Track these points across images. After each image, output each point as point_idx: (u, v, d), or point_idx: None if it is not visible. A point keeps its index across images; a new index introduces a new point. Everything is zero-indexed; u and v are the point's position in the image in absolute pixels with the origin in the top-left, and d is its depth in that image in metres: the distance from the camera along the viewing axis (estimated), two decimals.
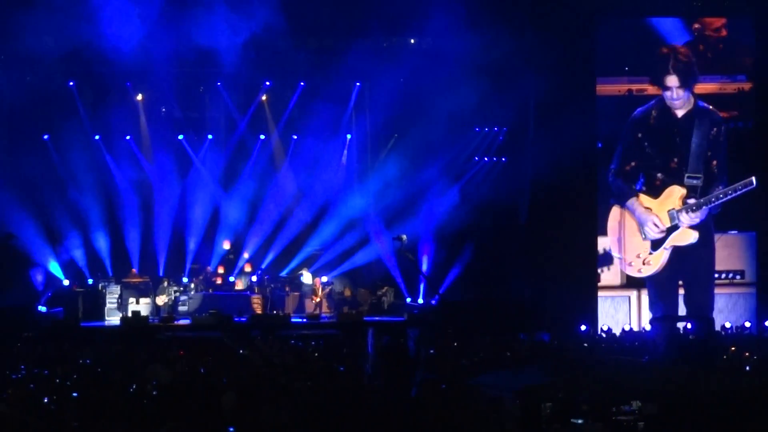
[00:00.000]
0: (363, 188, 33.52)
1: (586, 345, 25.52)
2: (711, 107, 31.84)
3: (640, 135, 31.67)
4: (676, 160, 31.63)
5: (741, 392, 15.16)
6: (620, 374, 17.14)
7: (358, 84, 33.32)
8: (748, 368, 20.07)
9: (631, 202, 31.65)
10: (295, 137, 33.84)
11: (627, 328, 30.22)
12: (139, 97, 32.78)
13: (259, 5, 28.91)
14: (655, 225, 31.49)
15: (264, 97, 33.59)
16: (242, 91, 33.35)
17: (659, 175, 31.69)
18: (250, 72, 31.91)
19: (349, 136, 34.07)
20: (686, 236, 31.48)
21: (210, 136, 33.54)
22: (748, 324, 30.52)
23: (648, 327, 30.01)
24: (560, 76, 29.74)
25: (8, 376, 18.63)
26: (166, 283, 31.77)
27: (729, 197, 31.25)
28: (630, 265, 31.55)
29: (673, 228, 31.48)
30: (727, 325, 30.34)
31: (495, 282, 30.98)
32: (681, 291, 31.68)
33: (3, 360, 20.80)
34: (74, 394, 16.07)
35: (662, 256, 31.55)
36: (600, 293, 31.59)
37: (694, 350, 22.46)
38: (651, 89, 31.70)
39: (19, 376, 18.63)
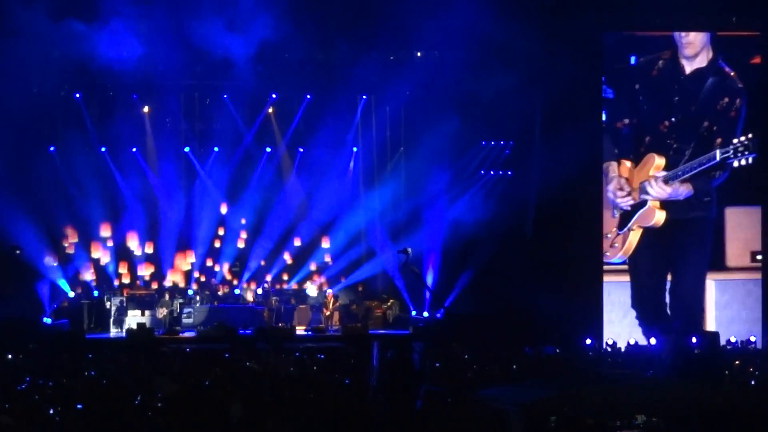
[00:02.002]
0: (369, 201, 33.51)
1: (590, 359, 25.48)
2: (733, 73, 27.52)
3: (637, 86, 28.05)
4: (667, 123, 27.92)
5: (746, 407, 15.16)
6: (625, 388, 17.14)
7: (364, 97, 33.36)
8: (753, 383, 20.07)
9: (612, 166, 28.48)
10: (302, 150, 33.92)
11: (632, 342, 29.93)
12: (146, 109, 32.86)
13: (265, 18, 28.94)
14: (621, 189, 28.02)
15: (270, 110, 33.65)
16: (249, 104, 33.43)
17: (647, 138, 27.93)
18: (257, 84, 31.96)
19: (355, 149, 34.10)
20: (651, 215, 28.13)
21: (216, 149, 33.62)
22: (753, 338, 30.06)
23: (653, 341, 29.71)
24: (566, 91, 29.51)
25: (13, 387, 18.62)
26: (167, 296, 31.77)
27: (694, 171, 27.09)
28: None
29: (642, 204, 28.31)
30: (732, 339, 29.97)
31: (500, 295, 30.80)
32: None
33: (8, 371, 20.80)
34: (79, 406, 16.06)
35: (629, 238, 28.72)
36: (607, 278, 29.84)
37: (699, 365, 22.41)
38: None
39: (23, 388, 18.62)
